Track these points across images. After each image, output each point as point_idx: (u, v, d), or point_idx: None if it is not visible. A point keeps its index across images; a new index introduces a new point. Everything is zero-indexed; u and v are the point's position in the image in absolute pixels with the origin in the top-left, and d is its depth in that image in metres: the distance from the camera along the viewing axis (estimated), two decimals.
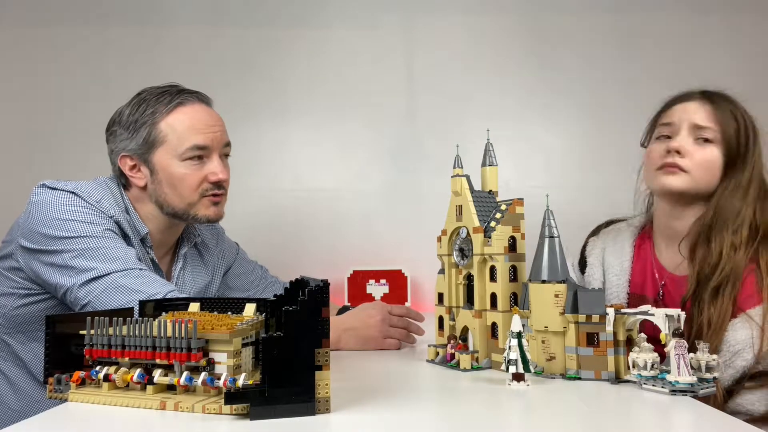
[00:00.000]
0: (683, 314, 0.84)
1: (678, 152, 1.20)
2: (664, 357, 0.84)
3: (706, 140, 1.20)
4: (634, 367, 0.84)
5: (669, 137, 1.24)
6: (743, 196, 1.18)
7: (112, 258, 1.13)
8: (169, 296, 1.06)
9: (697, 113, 1.22)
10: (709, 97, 1.24)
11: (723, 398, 1.05)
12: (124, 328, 0.77)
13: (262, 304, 0.89)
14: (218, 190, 1.28)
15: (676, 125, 1.23)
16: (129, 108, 1.27)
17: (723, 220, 1.17)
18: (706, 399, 0.80)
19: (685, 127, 1.22)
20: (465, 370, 0.96)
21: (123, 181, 1.30)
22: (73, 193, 1.19)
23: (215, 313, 0.90)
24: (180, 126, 1.25)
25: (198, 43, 2.05)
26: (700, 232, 1.19)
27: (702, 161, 1.20)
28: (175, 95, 1.27)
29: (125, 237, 1.23)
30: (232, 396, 0.69)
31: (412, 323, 1.25)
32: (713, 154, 1.20)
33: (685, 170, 1.20)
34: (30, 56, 2.03)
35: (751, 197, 1.18)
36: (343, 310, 1.46)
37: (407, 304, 1.94)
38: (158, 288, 1.09)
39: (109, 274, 1.10)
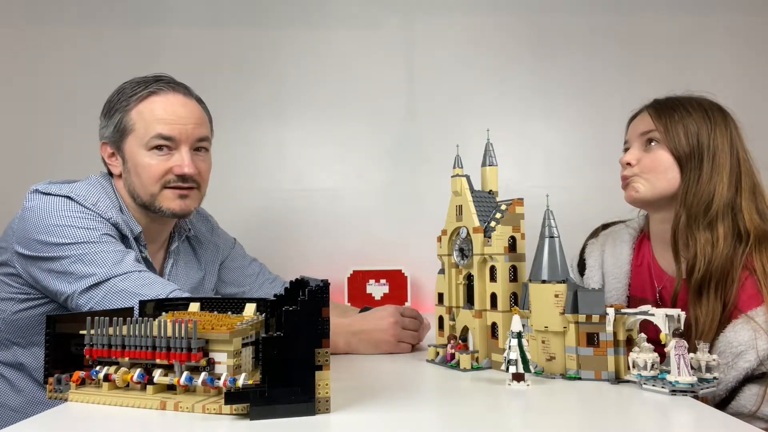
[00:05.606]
0: (683, 314, 0.84)
1: (628, 164, 1.25)
2: (664, 357, 0.84)
3: (653, 142, 1.23)
4: (634, 367, 0.84)
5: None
6: (710, 189, 1.16)
7: (111, 262, 1.11)
8: (171, 297, 1.04)
9: (641, 123, 1.27)
10: (653, 105, 1.27)
11: (717, 401, 1.05)
12: (124, 328, 0.77)
13: (262, 304, 0.89)
14: (184, 183, 1.24)
15: (629, 141, 1.29)
16: (110, 96, 1.27)
17: (693, 217, 1.17)
18: (702, 399, 0.80)
19: (634, 140, 1.27)
20: (465, 370, 0.96)
21: (109, 170, 1.29)
22: (68, 197, 1.17)
23: (215, 313, 0.90)
24: (148, 115, 1.22)
25: (197, 43, 2.05)
26: (675, 234, 1.20)
27: (650, 163, 1.23)
28: (150, 84, 1.24)
29: (123, 238, 1.21)
30: (232, 396, 0.69)
31: (422, 329, 1.22)
32: (660, 154, 1.22)
33: (638, 177, 1.24)
34: (29, 56, 2.03)
35: (722, 188, 1.16)
36: (363, 311, 1.45)
37: (407, 304, 1.94)
38: (159, 290, 1.08)
39: (108, 279, 1.09)
